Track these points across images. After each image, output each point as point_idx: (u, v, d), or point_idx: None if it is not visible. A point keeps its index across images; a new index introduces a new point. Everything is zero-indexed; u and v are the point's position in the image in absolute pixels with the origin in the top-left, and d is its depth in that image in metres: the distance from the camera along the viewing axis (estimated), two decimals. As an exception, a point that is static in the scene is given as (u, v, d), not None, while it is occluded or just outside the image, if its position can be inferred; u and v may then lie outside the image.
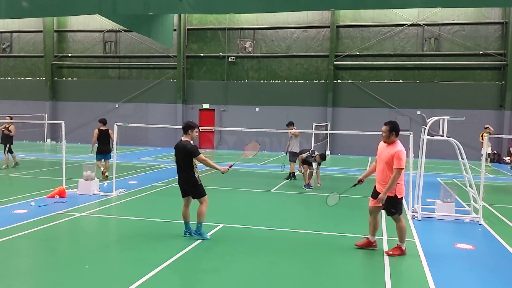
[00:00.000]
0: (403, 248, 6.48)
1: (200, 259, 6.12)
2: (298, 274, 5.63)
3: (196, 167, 7.00)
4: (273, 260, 6.09)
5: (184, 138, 7.00)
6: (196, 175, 6.94)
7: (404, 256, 6.59)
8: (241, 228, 7.88)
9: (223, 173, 7.00)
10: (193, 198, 7.06)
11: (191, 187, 6.97)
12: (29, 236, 7.06)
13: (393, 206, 6.39)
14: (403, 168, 6.26)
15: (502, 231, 8.13)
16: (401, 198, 6.45)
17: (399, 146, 6.36)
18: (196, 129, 7.08)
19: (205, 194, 7.04)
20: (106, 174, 13.11)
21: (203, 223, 7.08)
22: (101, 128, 13.33)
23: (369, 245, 6.72)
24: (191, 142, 7.01)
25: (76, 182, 11.05)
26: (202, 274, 5.55)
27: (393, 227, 8.16)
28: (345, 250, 6.79)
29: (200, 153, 6.84)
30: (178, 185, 7.14)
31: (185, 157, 6.83)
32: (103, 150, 13.29)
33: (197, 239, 6.97)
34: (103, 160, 13.36)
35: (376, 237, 6.74)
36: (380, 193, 6.36)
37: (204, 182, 7.07)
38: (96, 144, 13.35)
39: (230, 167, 7.05)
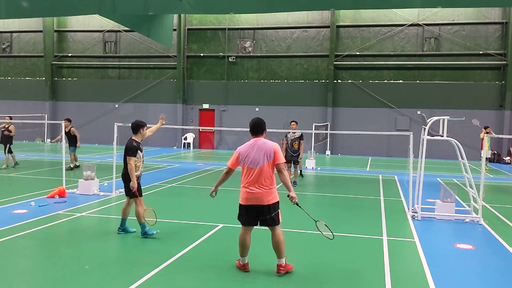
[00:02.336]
0: (240, 264, 5.70)
1: (200, 259, 6.12)
2: (297, 274, 5.63)
3: (138, 167, 7.02)
4: (273, 260, 6.08)
5: (133, 137, 7.05)
6: (137, 173, 6.96)
7: (404, 256, 6.60)
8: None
9: (131, 187, 6.89)
10: (126, 196, 7.11)
11: (125, 183, 7.04)
12: (29, 236, 7.06)
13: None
14: (227, 164, 5.73)
15: (502, 231, 8.13)
16: (241, 206, 5.64)
17: None
18: (146, 128, 7.21)
19: (137, 196, 6.98)
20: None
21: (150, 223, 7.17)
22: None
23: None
24: (139, 141, 7.06)
25: (76, 182, 11.06)
26: (202, 274, 5.55)
27: (393, 227, 8.20)
28: (344, 250, 6.79)
29: (132, 156, 6.82)
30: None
31: (124, 153, 6.99)
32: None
33: (196, 240, 6.97)
34: None
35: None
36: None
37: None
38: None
39: (135, 192, 6.96)
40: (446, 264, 6.20)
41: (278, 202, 5.63)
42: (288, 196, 5.45)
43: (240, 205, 5.67)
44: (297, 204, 5.50)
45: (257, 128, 5.69)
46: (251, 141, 5.68)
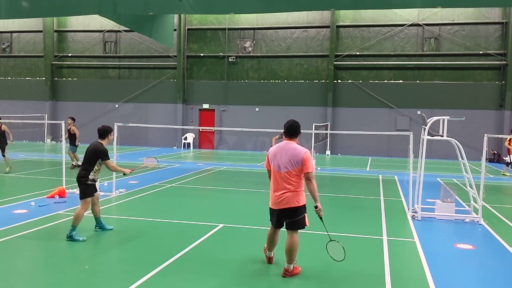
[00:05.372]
0: (266, 255, 5.94)
1: (200, 259, 6.12)
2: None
3: (96, 170, 7.12)
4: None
5: (100, 141, 7.23)
6: (91, 176, 7.03)
7: (404, 256, 6.60)
8: (241, 228, 7.88)
9: (124, 175, 7.50)
10: (80, 198, 7.10)
11: (78, 184, 7.09)
12: (29, 236, 7.07)
13: None
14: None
15: (502, 231, 8.13)
16: (270, 208, 5.70)
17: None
18: (113, 133, 7.47)
19: (85, 197, 7.00)
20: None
21: (103, 226, 7.45)
22: None
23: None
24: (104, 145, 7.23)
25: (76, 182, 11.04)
26: (202, 274, 5.55)
27: (393, 227, 8.20)
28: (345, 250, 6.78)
29: (109, 159, 7.11)
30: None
31: (92, 156, 7.06)
32: None
33: (196, 240, 6.97)
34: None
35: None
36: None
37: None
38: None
39: (132, 171, 7.37)
40: (446, 264, 6.20)
41: (304, 206, 5.52)
42: (316, 207, 5.36)
43: (270, 207, 5.69)
44: (320, 218, 5.41)
45: (291, 131, 5.53)
46: (282, 143, 5.58)
